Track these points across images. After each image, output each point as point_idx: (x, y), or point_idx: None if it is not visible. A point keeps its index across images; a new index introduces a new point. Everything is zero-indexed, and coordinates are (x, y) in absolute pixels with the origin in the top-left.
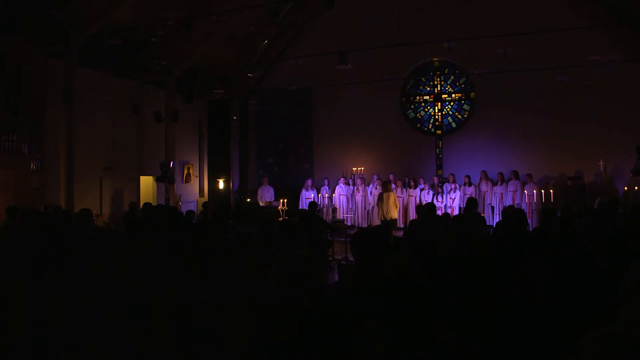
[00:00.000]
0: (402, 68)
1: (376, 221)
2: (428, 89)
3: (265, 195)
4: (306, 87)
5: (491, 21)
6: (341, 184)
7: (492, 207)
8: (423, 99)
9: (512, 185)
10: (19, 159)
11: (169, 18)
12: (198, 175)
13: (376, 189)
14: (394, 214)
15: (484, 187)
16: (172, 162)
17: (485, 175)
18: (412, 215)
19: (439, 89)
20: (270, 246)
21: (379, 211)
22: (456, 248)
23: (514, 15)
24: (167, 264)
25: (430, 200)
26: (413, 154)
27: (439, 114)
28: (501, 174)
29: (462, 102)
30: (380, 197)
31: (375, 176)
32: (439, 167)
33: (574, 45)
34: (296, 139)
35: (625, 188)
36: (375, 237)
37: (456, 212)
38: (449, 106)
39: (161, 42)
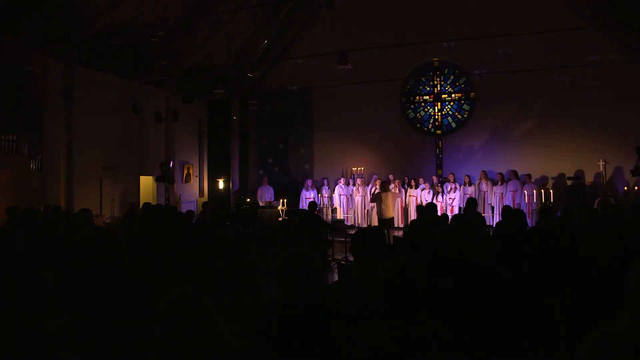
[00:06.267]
0: (402, 68)
1: (376, 221)
2: (428, 89)
3: (265, 195)
4: (306, 87)
5: (491, 21)
6: (341, 184)
7: (492, 207)
8: (423, 99)
9: (512, 185)
10: (19, 159)
11: (169, 18)
12: (198, 175)
13: (376, 189)
14: (391, 213)
15: (484, 187)
16: (172, 162)
17: (485, 175)
18: (413, 215)
19: (438, 89)
20: (270, 246)
21: (377, 210)
22: (454, 249)
23: (514, 15)
24: (167, 264)
25: (430, 200)
26: (413, 154)
27: (439, 114)
28: (501, 174)
29: (462, 102)
30: (378, 197)
31: (374, 176)
32: (439, 167)
33: (574, 45)
34: (296, 139)
35: (625, 188)
36: (375, 236)
37: (456, 211)
38: (449, 106)
39: (161, 42)
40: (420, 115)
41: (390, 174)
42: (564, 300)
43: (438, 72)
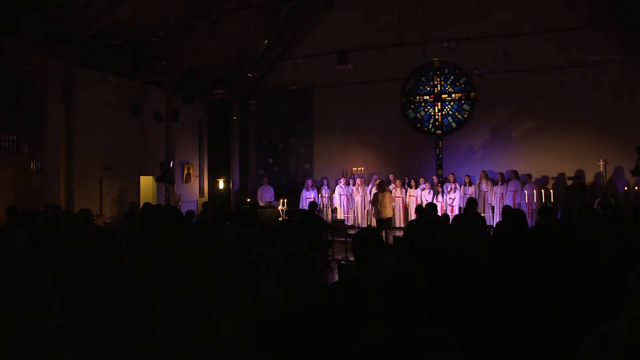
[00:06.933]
0: (402, 68)
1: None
2: (428, 89)
3: (265, 195)
4: (306, 87)
5: (491, 21)
6: (341, 184)
7: (493, 207)
8: (423, 99)
9: (513, 185)
10: (19, 159)
11: (169, 18)
12: (198, 175)
13: (376, 189)
14: (389, 213)
15: (484, 187)
16: (172, 162)
17: (485, 175)
18: (413, 215)
19: (439, 89)
20: (270, 246)
21: (374, 211)
22: (455, 249)
23: (514, 15)
24: (167, 264)
25: (430, 200)
26: (413, 154)
27: (439, 114)
28: (501, 174)
29: (462, 102)
30: (376, 197)
31: (374, 176)
32: (439, 167)
33: (574, 45)
34: (296, 139)
35: (625, 188)
36: (375, 236)
37: (456, 211)
38: (449, 106)
39: (161, 42)
40: (420, 115)
41: (391, 174)
42: (564, 300)
43: (438, 72)
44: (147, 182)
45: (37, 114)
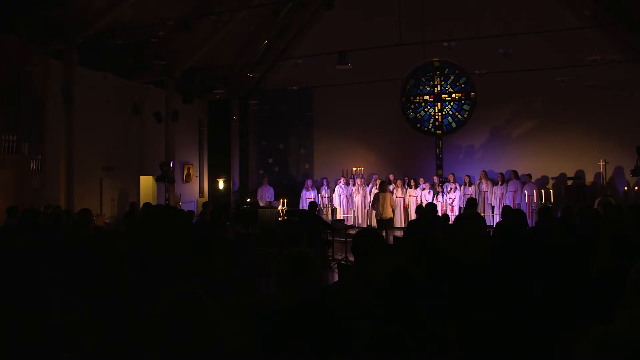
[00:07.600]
0: (402, 68)
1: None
2: (428, 89)
3: (265, 195)
4: (306, 87)
5: (491, 21)
6: (341, 184)
7: (493, 207)
8: (423, 99)
9: (513, 185)
10: (19, 159)
11: (169, 18)
12: (198, 175)
13: (376, 189)
14: (390, 213)
15: (484, 187)
16: (172, 162)
17: (485, 175)
18: (413, 215)
19: (439, 89)
20: (270, 246)
21: (375, 211)
22: (454, 249)
23: (514, 15)
24: (167, 264)
25: (430, 200)
26: (413, 154)
27: (439, 114)
28: (501, 174)
29: (462, 102)
30: (377, 197)
31: (375, 176)
32: (439, 167)
33: (574, 45)
34: (296, 139)
35: (625, 188)
36: (376, 236)
37: (456, 211)
38: (449, 106)
39: (161, 42)
40: (420, 115)
41: (390, 174)
42: (563, 300)
43: (438, 72)
44: (147, 182)
45: (37, 114)
